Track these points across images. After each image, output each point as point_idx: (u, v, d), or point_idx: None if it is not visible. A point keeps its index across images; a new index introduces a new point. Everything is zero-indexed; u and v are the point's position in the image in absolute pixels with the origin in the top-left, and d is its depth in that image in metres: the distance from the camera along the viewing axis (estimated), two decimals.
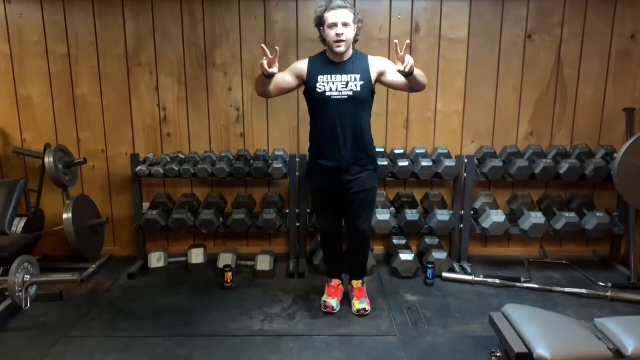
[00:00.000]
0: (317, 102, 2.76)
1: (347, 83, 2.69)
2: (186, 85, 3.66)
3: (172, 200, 3.75)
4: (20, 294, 2.78)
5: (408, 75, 2.50)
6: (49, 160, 3.32)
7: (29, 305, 2.85)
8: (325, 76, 2.71)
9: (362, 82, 2.69)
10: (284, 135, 3.74)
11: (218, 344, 2.63)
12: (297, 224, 3.60)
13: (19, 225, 3.42)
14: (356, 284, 3.06)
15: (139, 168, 3.47)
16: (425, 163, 3.46)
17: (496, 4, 3.55)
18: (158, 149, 3.74)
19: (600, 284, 3.28)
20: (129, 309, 3.02)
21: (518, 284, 3.28)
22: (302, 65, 2.78)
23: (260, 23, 3.58)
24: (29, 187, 3.45)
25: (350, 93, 2.69)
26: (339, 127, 2.71)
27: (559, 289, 3.20)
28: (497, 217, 3.40)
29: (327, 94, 2.70)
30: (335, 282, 3.07)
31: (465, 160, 3.50)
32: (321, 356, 2.49)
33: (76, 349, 2.57)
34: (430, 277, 3.31)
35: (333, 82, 2.70)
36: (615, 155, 3.42)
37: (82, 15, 3.53)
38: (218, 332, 2.74)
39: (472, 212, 3.61)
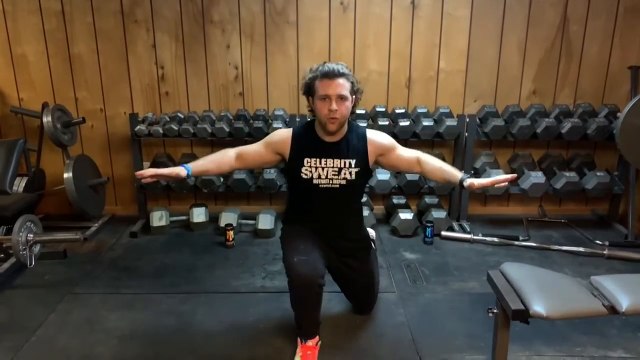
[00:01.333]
0: (300, 188, 2.26)
1: (340, 170, 2.19)
2: (183, 42, 3.59)
3: (172, 159, 3.75)
4: (24, 252, 2.82)
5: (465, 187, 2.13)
6: (47, 119, 3.30)
7: (33, 263, 2.89)
8: (313, 159, 2.18)
9: (357, 169, 2.20)
10: (284, 95, 3.69)
11: (220, 300, 2.68)
12: None
13: (20, 184, 3.43)
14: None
15: (138, 127, 3.45)
16: (427, 123, 3.43)
17: None
18: (157, 108, 3.70)
19: (598, 242, 3.31)
20: (132, 267, 3.06)
21: (516, 243, 3.31)
22: (284, 140, 2.23)
23: None
24: (28, 147, 3.44)
25: (343, 182, 2.20)
26: (324, 216, 2.30)
27: (556, 247, 3.24)
28: (497, 176, 3.39)
29: (315, 181, 2.19)
30: (312, 341, 2.21)
31: (467, 120, 3.47)
32: (322, 312, 2.54)
33: (81, 306, 2.63)
34: (429, 236, 3.35)
35: (322, 168, 2.19)
36: (618, 114, 3.39)
37: None
38: (220, 289, 2.79)
39: (473, 172, 3.61)
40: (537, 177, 3.38)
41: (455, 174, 2.18)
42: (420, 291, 2.77)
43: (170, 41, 3.58)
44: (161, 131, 3.44)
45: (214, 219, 3.60)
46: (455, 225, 3.55)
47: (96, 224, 3.60)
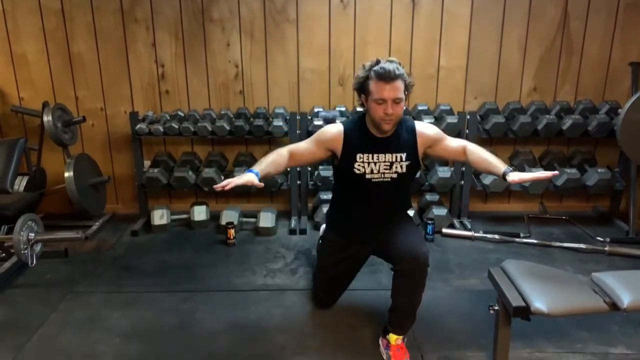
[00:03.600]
0: (353, 182, 2.27)
1: (392, 164, 2.22)
2: (183, 41, 3.58)
3: (172, 158, 3.75)
4: (26, 251, 2.82)
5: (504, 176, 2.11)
6: (47, 118, 3.30)
7: (34, 262, 2.89)
8: (366, 155, 2.20)
9: (407, 162, 2.23)
10: (284, 93, 3.69)
11: (222, 298, 2.68)
12: (298, 182, 3.60)
13: (21, 183, 3.44)
14: (395, 339, 2.19)
15: (138, 126, 3.45)
16: (428, 120, 3.43)
17: None
18: (157, 107, 3.70)
19: (599, 238, 3.31)
20: (134, 266, 3.07)
21: (517, 240, 3.31)
22: (336, 138, 2.23)
23: None
24: (28, 146, 3.44)
25: (395, 175, 2.23)
26: (375, 208, 2.33)
27: (557, 244, 3.23)
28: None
29: (368, 176, 2.22)
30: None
31: (468, 117, 3.46)
32: (323, 309, 2.55)
33: (83, 304, 2.63)
34: (430, 233, 3.35)
35: (375, 163, 2.21)
36: (619, 110, 3.38)
37: None
38: (222, 287, 2.80)
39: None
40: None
41: (500, 166, 2.16)
42: None
43: (170, 39, 3.57)
44: (162, 130, 3.44)
45: (215, 217, 3.60)
46: (456, 222, 3.55)
47: (97, 223, 3.61)
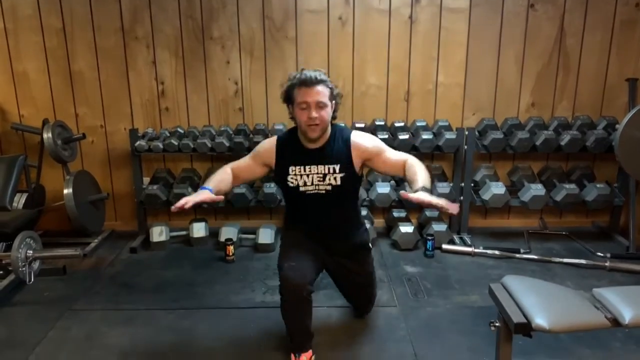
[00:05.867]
0: (290, 195, 2.30)
1: (324, 176, 2.19)
2: (183, 59, 3.61)
3: (172, 174, 3.75)
4: (24, 269, 2.81)
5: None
6: (47, 135, 3.31)
7: (32, 279, 2.88)
8: (298, 167, 2.20)
9: (342, 174, 2.19)
10: (283, 109, 3.59)
11: (221, 315, 2.66)
12: None
13: (19, 201, 3.43)
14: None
15: (138, 143, 3.46)
16: (426, 136, 3.44)
17: None
18: (157, 124, 3.72)
19: (599, 254, 3.30)
20: (132, 283, 3.05)
21: (517, 255, 3.30)
22: (269, 150, 2.27)
23: None
24: (28, 163, 3.44)
25: (329, 188, 2.20)
26: (317, 221, 2.31)
27: (558, 259, 3.22)
28: (497, 189, 3.41)
29: (302, 188, 2.21)
30: (306, 355, 2.21)
31: (466, 133, 3.48)
32: (322, 327, 2.52)
33: (81, 322, 2.61)
34: (430, 249, 3.34)
35: (307, 175, 2.20)
36: (617, 126, 3.40)
37: None
38: (221, 305, 2.78)
39: (472, 184, 3.61)
40: (537, 189, 3.38)
41: (419, 183, 2.04)
42: (421, 305, 2.75)
43: (170, 57, 3.61)
44: (161, 146, 3.45)
45: (214, 233, 3.59)
46: (456, 238, 3.54)
47: (96, 240, 3.59)
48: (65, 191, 3.28)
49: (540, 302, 1.82)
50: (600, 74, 3.63)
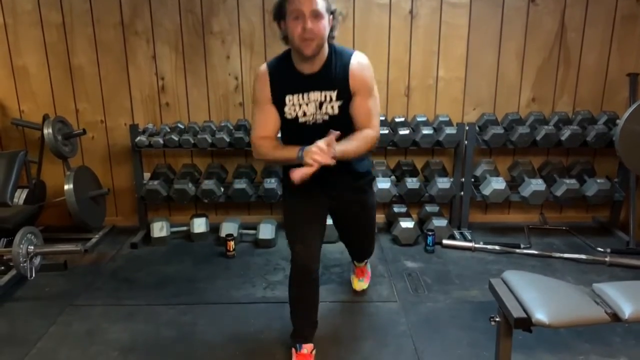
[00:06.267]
0: (289, 129, 2.09)
1: (321, 104, 1.99)
2: (183, 53, 3.60)
3: (172, 170, 3.75)
4: (25, 264, 2.81)
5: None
6: (47, 131, 3.31)
7: (33, 275, 2.88)
8: (295, 96, 1.98)
9: (339, 102, 1.99)
10: None
11: (222, 311, 2.67)
12: None
13: (20, 196, 3.43)
14: (359, 264, 2.77)
15: (138, 138, 3.46)
16: (426, 131, 3.44)
17: None
18: (157, 119, 3.72)
19: (599, 249, 3.31)
20: (133, 278, 3.06)
21: (518, 250, 3.30)
22: (263, 81, 2.04)
23: None
24: (29, 159, 3.44)
25: (326, 117, 2.00)
26: None
27: (558, 254, 3.23)
28: (497, 184, 3.41)
29: (301, 120, 2.01)
30: (307, 347, 2.18)
31: (466, 128, 3.47)
32: (323, 322, 2.52)
33: (82, 317, 2.62)
34: (431, 244, 3.34)
35: (306, 104, 1.99)
36: (617, 121, 3.39)
37: None
38: (221, 300, 2.78)
39: (473, 180, 3.61)
40: (537, 184, 3.38)
41: (340, 146, 1.92)
42: (422, 300, 2.76)
43: (170, 52, 3.60)
44: (161, 142, 3.45)
45: (214, 229, 3.60)
46: (456, 233, 3.55)
47: (97, 236, 3.60)
48: (66, 187, 3.28)
49: (540, 297, 1.82)
50: (601, 69, 3.62)
